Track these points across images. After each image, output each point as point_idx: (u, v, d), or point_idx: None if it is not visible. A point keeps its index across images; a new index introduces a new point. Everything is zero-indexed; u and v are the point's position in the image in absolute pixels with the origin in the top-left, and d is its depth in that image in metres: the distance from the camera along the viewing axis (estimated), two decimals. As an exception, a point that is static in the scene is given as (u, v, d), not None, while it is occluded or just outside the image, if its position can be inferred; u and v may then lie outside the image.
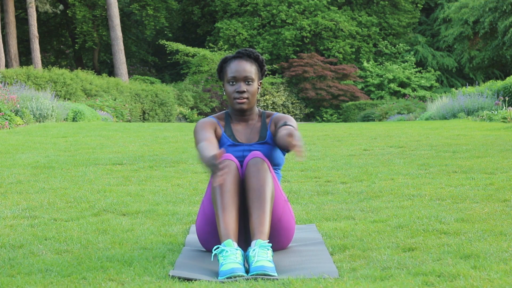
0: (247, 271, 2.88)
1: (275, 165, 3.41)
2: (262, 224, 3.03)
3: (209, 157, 2.94)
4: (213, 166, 2.90)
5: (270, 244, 2.97)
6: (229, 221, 3.04)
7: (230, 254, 2.87)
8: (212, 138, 3.32)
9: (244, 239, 3.22)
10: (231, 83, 3.34)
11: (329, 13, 33.37)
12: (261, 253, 2.89)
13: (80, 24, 32.34)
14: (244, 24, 33.44)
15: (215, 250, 2.96)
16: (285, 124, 3.29)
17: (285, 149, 3.30)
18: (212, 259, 3.02)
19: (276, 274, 2.83)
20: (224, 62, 3.41)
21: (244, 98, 3.33)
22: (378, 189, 5.04)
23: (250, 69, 3.35)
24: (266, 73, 3.49)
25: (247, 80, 3.33)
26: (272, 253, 3.00)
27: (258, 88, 3.41)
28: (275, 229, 3.26)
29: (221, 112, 3.52)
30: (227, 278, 2.80)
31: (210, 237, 3.26)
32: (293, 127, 3.23)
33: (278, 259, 3.14)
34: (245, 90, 3.33)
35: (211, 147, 3.15)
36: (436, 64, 34.24)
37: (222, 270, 2.83)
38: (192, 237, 3.61)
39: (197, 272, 2.91)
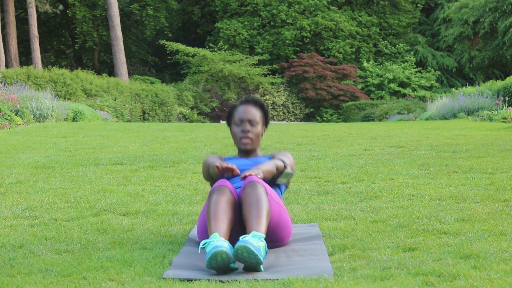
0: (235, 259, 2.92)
1: (274, 185, 3.63)
2: (258, 223, 3.11)
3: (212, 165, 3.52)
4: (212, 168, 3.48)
5: (264, 236, 3.03)
6: (220, 225, 3.12)
7: (215, 242, 2.94)
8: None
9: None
10: (237, 124, 3.65)
11: (329, 13, 33.37)
12: (252, 239, 2.95)
13: (80, 24, 32.33)
14: (244, 24, 33.44)
15: (203, 244, 3.02)
16: (278, 159, 3.61)
17: (270, 182, 3.61)
18: (199, 251, 3.12)
19: (260, 257, 2.87)
20: (233, 108, 3.73)
21: (248, 138, 3.62)
22: (378, 189, 5.04)
23: (255, 113, 3.66)
24: (269, 120, 3.82)
25: (252, 122, 3.63)
26: (266, 248, 3.04)
27: (263, 133, 3.71)
28: (274, 231, 3.35)
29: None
30: (213, 260, 2.84)
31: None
32: (283, 162, 3.58)
33: (278, 259, 3.14)
34: (249, 130, 3.62)
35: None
36: (436, 64, 34.23)
37: (207, 252, 2.89)
38: (192, 234, 3.63)
39: (193, 271, 2.92)
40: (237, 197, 3.31)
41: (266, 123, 3.75)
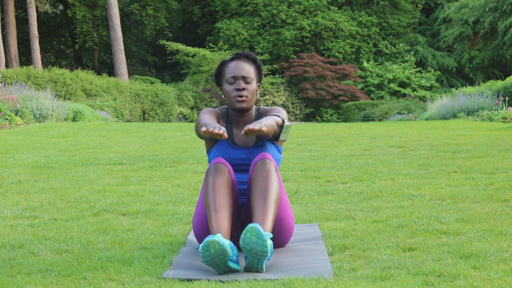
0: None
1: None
2: (264, 221, 3.04)
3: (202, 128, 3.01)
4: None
5: (271, 235, 2.97)
6: (221, 220, 3.04)
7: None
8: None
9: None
10: (230, 82, 3.35)
11: (329, 13, 33.37)
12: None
13: (80, 24, 32.33)
14: (244, 24, 33.44)
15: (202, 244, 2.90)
16: (274, 115, 3.30)
17: (272, 139, 3.34)
18: (200, 249, 2.97)
19: (266, 243, 2.82)
20: (222, 65, 3.42)
21: (243, 96, 3.34)
22: (378, 189, 5.04)
23: (248, 69, 3.37)
24: (263, 76, 3.51)
25: (246, 79, 3.35)
26: (272, 248, 2.98)
27: (257, 90, 3.42)
28: (277, 228, 3.28)
29: (223, 107, 3.53)
30: (206, 251, 2.79)
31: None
32: (278, 116, 3.27)
33: (278, 259, 3.14)
34: (245, 87, 3.34)
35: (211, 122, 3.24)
36: (436, 64, 34.24)
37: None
38: (192, 234, 3.62)
39: (193, 270, 2.91)
40: (234, 175, 3.20)
41: (259, 78, 3.45)
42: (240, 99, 3.33)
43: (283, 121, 3.27)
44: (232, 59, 3.39)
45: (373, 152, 7.70)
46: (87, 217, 4.17)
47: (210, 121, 3.27)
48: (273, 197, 3.09)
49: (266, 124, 3.10)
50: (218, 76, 3.44)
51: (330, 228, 3.74)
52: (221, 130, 2.94)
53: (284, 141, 3.36)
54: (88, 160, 7.07)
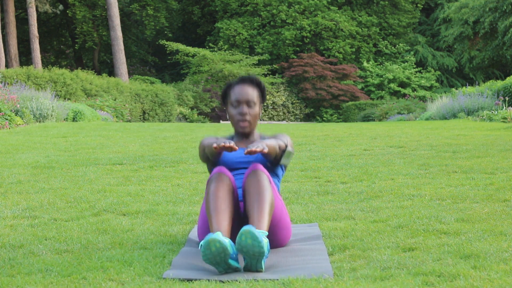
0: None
1: (273, 174, 3.55)
2: (260, 219, 3.07)
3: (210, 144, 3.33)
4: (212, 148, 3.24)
5: (267, 233, 3.01)
6: (221, 220, 3.07)
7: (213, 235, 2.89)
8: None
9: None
10: (234, 105, 3.53)
11: (329, 13, 33.37)
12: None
13: (80, 24, 32.34)
14: (244, 24, 33.45)
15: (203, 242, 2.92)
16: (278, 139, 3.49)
17: (273, 162, 3.52)
18: (200, 248, 2.99)
19: (263, 245, 2.84)
20: (228, 88, 3.60)
21: (246, 121, 3.51)
22: (378, 189, 5.04)
23: (252, 93, 3.53)
24: (266, 96, 3.67)
25: (249, 103, 3.52)
26: (269, 246, 3.01)
27: (260, 112, 3.60)
28: (275, 230, 3.32)
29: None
30: (207, 249, 2.82)
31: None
32: (282, 142, 3.45)
33: (278, 259, 3.14)
34: (247, 112, 3.51)
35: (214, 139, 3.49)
36: (436, 64, 34.24)
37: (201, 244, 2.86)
38: (193, 235, 3.62)
39: (193, 270, 2.91)
40: (235, 184, 3.27)
41: (263, 100, 3.63)
42: (242, 124, 3.52)
43: (286, 146, 3.44)
44: (237, 83, 3.57)
45: (373, 152, 7.70)
46: (87, 217, 4.17)
47: (215, 139, 3.47)
48: (267, 199, 3.15)
49: (268, 144, 3.28)
50: (224, 97, 3.62)
51: (330, 228, 3.74)
52: (231, 143, 3.12)
53: (285, 165, 3.56)
54: (88, 160, 7.07)
